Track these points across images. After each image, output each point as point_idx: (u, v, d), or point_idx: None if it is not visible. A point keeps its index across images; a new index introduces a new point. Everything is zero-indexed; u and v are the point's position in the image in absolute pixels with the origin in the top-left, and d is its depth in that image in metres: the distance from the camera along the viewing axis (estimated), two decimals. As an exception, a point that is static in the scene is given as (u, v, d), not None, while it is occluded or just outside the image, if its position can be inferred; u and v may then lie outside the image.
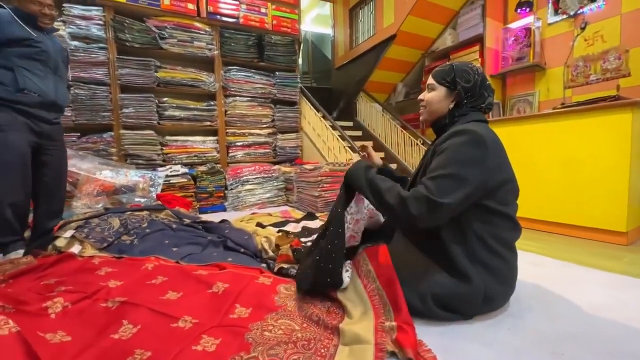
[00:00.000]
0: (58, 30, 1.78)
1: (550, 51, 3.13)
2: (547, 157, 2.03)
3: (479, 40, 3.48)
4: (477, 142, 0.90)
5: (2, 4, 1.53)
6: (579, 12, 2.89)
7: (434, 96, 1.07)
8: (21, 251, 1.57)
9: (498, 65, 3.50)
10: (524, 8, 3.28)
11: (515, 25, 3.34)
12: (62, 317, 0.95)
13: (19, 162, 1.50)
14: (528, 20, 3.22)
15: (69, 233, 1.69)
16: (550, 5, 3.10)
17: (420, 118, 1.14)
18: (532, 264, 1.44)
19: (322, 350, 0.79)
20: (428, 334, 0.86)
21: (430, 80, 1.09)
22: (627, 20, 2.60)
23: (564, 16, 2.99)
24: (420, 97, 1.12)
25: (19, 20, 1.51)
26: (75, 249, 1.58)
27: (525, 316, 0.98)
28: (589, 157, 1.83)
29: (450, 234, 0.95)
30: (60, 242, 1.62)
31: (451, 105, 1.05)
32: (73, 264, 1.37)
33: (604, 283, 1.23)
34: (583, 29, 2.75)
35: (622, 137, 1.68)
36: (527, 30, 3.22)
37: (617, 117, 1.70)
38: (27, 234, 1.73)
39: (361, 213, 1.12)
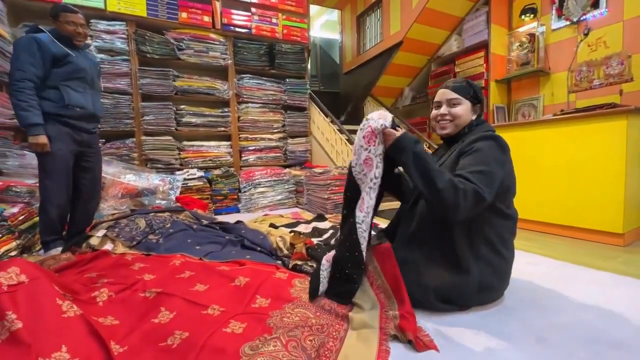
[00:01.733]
0: (90, 45, 1.96)
1: (554, 56, 3.20)
2: (548, 161, 2.11)
3: (484, 46, 3.56)
4: (503, 147, 1.03)
5: (42, 28, 1.71)
6: (582, 18, 2.95)
7: (462, 110, 1.12)
8: (60, 248, 1.75)
9: (503, 71, 3.58)
10: (528, 14, 3.36)
11: (519, 31, 3.41)
12: (109, 305, 1.10)
13: (65, 168, 1.70)
14: (532, 26, 3.30)
15: (101, 232, 1.86)
16: (553, 11, 3.17)
17: (444, 131, 1.17)
18: (530, 264, 1.54)
19: (334, 333, 0.91)
20: (427, 321, 0.98)
21: (453, 94, 1.13)
22: (629, 27, 2.66)
23: (568, 22, 3.06)
24: (444, 111, 1.15)
25: (57, 42, 1.68)
26: (108, 246, 1.75)
27: (516, 308, 1.08)
28: (588, 161, 1.91)
29: (460, 233, 1.03)
30: (94, 241, 1.79)
31: (474, 117, 1.15)
32: (109, 260, 1.52)
33: (596, 281, 1.32)
34: (586, 35, 2.82)
35: (618, 143, 1.76)
36: (532, 36, 3.30)
37: (613, 124, 1.78)
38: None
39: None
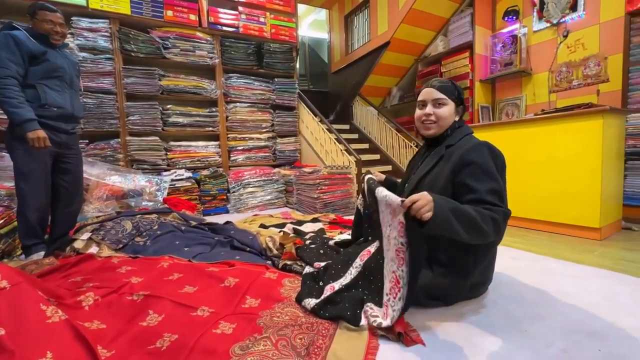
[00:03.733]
0: (68, 44, 1.90)
1: (535, 57, 3.30)
2: (529, 159, 2.18)
3: (469, 46, 3.63)
4: (497, 154, 1.07)
5: (17, 25, 1.65)
6: (561, 20, 3.05)
7: (447, 111, 1.11)
8: (42, 253, 1.70)
9: (487, 71, 3.66)
10: (510, 16, 3.45)
11: (502, 32, 3.50)
12: (95, 309, 1.08)
13: (42, 170, 1.64)
14: (514, 27, 3.39)
15: (85, 235, 1.81)
16: (535, 13, 3.27)
17: (429, 132, 1.15)
18: (512, 258, 1.59)
19: (324, 331, 0.93)
20: (414, 317, 1.01)
21: (439, 94, 1.10)
22: (605, 29, 2.76)
23: (548, 24, 3.16)
24: (428, 111, 1.12)
25: (32, 40, 1.63)
26: (93, 250, 1.71)
27: (499, 302, 1.12)
28: (566, 159, 1.98)
29: (455, 241, 0.99)
30: (78, 244, 1.75)
31: (457, 118, 1.16)
32: (94, 263, 1.50)
33: (574, 274, 1.38)
34: (565, 36, 2.92)
35: (594, 141, 1.84)
36: (514, 37, 3.39)
37: (589, 123, 1.86)
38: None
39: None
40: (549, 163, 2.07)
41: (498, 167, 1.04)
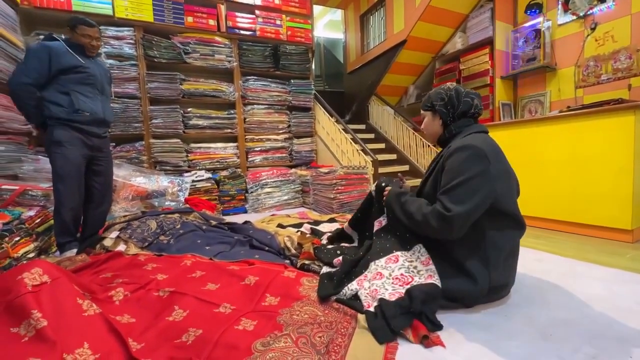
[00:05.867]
0: (101, 54, 2.02)
1: (560, 52, 3.17)
2: (555, 158, 2.10)
3: (489, 42, 3.54)
4: (479, 155, 1.02)
5: (56, 37, 1.77)
6: (588, 12, 2.92)
7: (425, 122, 1.29)
8: (75, 250, 1.81)
9: (508, 67, 3.55)
10: (533, 10, 3.33)
11: (525, 27, 3.39)
12: (125, 304, 1.14)
13: (76, 172, 1.74)
14: (538, 21, 3.27)
15: (114, 234, 1.91)
16: (559, 6, 3.14)
17: (429, 141, 1.30)
18: (536, 260, 1.54)
19: (343, 330, 0.94)
20: (433, 318, 1.00)
21: (421, 112, 1.32)
22: (637, 20, 2.62)
23: (574, 17, 3.03)
24: (422, 127, 1.35)
25: (70, 50, 1.74)
26: (121, 247, 1.80)
27: (522, 305, 1.09)
28: (595, 157, 1.89)
29: (466, 244, 1.05)
30: (107, 242, 1.84)
31: (440, 122, 1.22)
32: (122, 260, 1.57)
33: (603, 277, 1.32)
34: (593, 29, 2.80)
35: (626, 138, 1.75)
36: (537, 31, 3.27)
37: (620, 120, 1.77)
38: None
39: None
40: (576, 162, 1.99)
41: (480, 170, 1.00)
